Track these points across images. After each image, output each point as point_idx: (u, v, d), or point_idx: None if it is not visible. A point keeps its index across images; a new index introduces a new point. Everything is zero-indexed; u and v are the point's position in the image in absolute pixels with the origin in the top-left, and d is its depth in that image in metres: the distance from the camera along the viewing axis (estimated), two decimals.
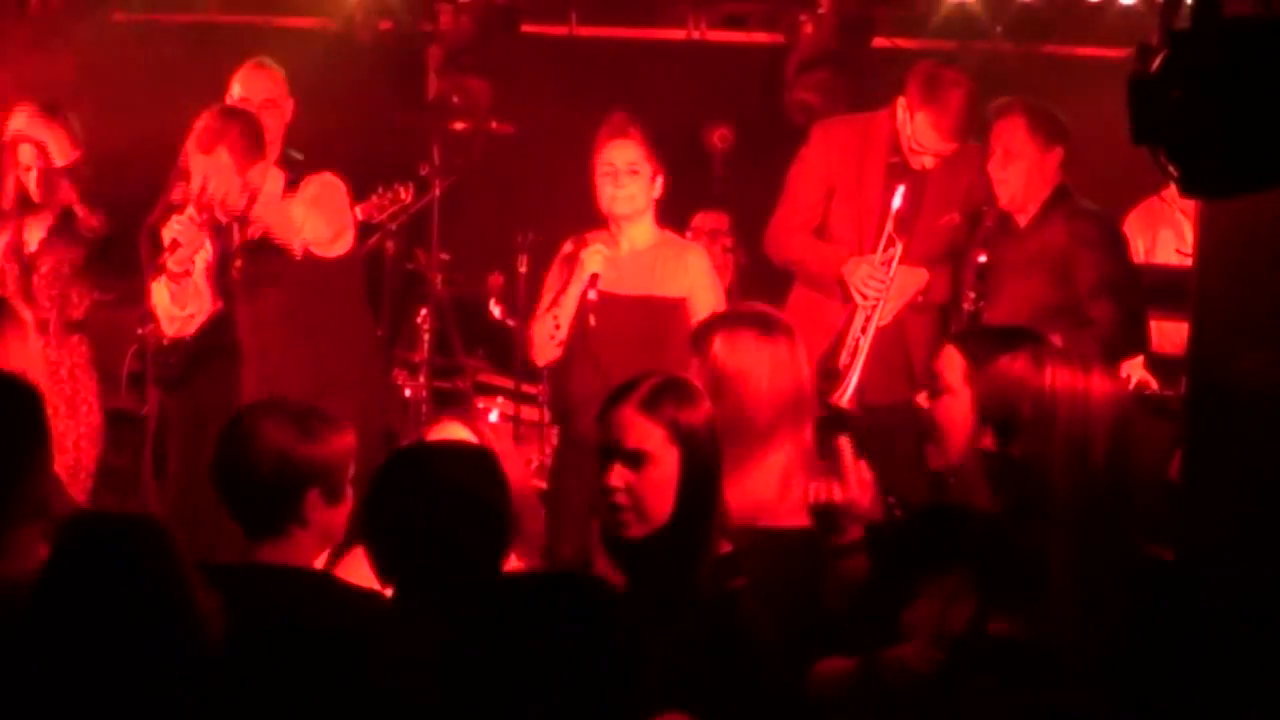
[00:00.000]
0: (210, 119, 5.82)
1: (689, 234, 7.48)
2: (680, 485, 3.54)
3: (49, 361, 6.03)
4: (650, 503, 3.53)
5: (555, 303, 5.75)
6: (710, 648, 3.40)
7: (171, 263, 5.83)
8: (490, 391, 7.44)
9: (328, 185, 6.00)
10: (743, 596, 3.52)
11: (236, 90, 6.65)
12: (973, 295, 5.89)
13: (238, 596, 3.21)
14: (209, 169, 5.80)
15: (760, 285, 7.22)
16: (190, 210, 5.83)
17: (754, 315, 4.17)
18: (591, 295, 5.66)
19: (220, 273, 5.98)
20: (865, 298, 5.92)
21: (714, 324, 4.18)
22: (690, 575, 3.52)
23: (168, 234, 5.82)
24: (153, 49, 8.02)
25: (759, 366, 4.02)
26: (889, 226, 5.90)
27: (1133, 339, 5.85)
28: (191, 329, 6.03)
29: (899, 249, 5.89)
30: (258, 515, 3.65)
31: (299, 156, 6.76)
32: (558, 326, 5.72)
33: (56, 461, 5.90)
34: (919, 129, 5.90)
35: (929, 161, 5.96)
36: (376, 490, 3.41)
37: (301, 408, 3.79)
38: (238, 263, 5.99)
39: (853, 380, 5.83)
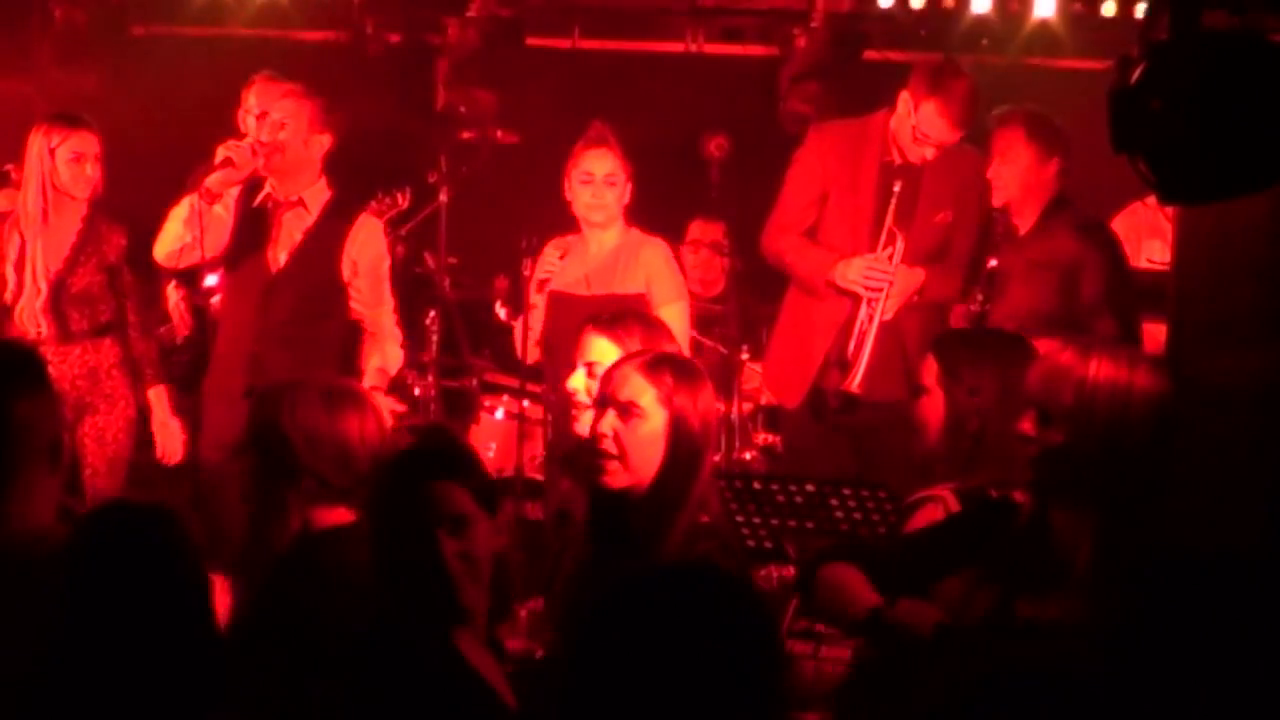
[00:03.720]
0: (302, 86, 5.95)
1: (687, 243, 7.69)
2: (667, 449, 3.73)
3: (85, 365, 6.23)
4: (635, 455, 3.72)
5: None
6: None
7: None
8: (496, 390, 7.48)
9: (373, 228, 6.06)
10: (710, 556, 3.63)
11: (252, 102, 6.81)
12: (980, 298, 5.87)
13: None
14: (290, 111, 5.88)
15: (756, 291, 7.39)
16: (251, 138, 5.89)
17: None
18: (535, 300, 5.92)
19: (237, 245, 5.99)
20: (868, 289, 5.91)
21: None
22: (663, 536, 3.67)
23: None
24: (173, 62, 8.15)
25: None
26: (888, 220, 5.90)
27: None
28: (183, 260, 5.98)
29: (900, 243, 5.90)
30: None
31: None
32: (528, 329, 5.98)
33: (97, 454, 6.15)
34: (925, 118, 5.87)
35: (929, 153, 5.93)
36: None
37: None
38: (282, 260, 5.97)
39: (861, 366, 5.87)
